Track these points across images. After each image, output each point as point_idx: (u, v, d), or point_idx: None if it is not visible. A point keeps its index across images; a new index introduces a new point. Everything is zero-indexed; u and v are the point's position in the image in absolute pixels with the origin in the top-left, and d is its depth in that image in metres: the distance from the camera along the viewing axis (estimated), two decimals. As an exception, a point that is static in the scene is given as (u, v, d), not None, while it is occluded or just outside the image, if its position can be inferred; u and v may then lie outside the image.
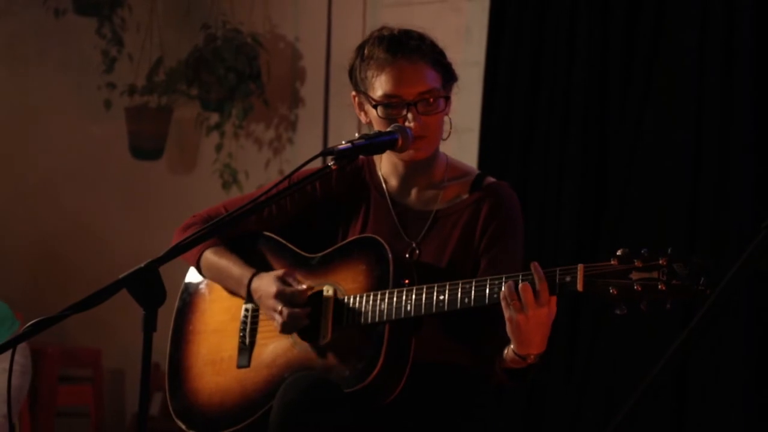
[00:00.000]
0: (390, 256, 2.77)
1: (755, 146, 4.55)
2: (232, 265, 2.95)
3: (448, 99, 2.87)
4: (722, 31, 4.61)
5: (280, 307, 2.82)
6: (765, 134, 4.55)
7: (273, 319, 2.86)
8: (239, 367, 2.93)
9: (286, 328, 2.84)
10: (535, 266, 2.57)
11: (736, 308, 4.41)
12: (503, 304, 2.58)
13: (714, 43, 4.63)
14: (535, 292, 2.55)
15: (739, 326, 4.45)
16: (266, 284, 2.87)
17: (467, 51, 5.29)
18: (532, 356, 2.64)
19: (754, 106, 4.56)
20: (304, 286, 2.84)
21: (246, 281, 2.91)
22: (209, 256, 2.99)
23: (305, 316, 2.83)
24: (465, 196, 2.90)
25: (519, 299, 2.56)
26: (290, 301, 2.82)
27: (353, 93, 2.92)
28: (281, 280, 2.86)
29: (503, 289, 2.58)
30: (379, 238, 2.81)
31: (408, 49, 2.82)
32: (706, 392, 4.50)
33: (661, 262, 2.46)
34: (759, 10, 4.56)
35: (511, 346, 2.64)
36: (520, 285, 2.57)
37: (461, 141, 5.13)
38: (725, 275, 2.14)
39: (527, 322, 2.57)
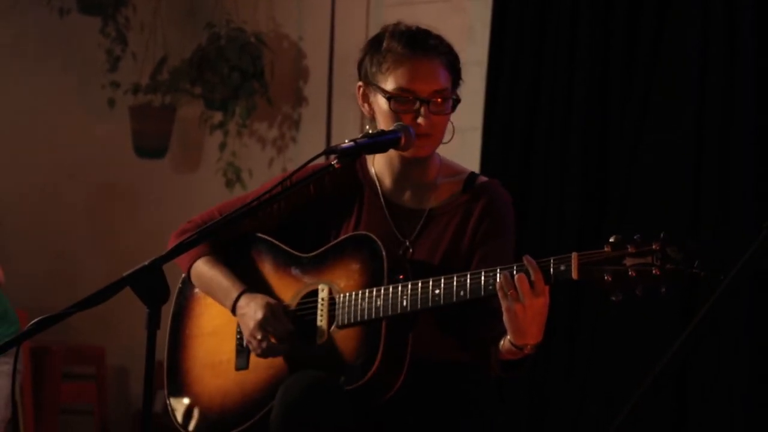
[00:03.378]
0: (383, 252, 2.78)
1: (756, 146, 4.55)
2: (222, 277, 2.95)
3: (456, 102, 2.89)
4: (723, 31, 4.61)
5: (260, 336, 2.83)
6: (766, 134, 4.56)
7: (250, 343, 2.87)
8: (238, 369, 2.94)
9: (262, 356, 2.86)
10: (527, 259, 2.59)
11: (737, 308, 4.42)
12: (500, 294, 2.59)
13: (715, 42, 4.63)
14: (531, 282, 2.57)
15: (739, 326, 4.46)
16: (254, 307, 2.86)
17: (470, 50, 5.30)
18: (528, 346, 2.65)
19: (755, 106, 4.56)
20: (291, 326, 2.85)
21: (235, 295, 2.91)
22: (199, 266, 2.99)
23: (286, 346, 2.84)
24: (458, 195, 2.91)
25: (515, 288, 2.57)
26: (273, 333, 2.83)
27: (359, 84, 2.93)
28: (270, 308, 2.86)
29: (499, 279, 2.59)
30: (372, 235, 2.81)
31: (427, 47, 2.84)
32: (706, 392, 4.51)
33: (654, 246, 2.46)
34: (759, 10, 4.56)
35: (508, 337, 2.65)
36: (515, 275, 2.58)
37: (464, 140, 5.15)
38: (726, 273, 2.15)
39: (524, 311, 2.58)
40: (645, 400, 2.14)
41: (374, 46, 2.89)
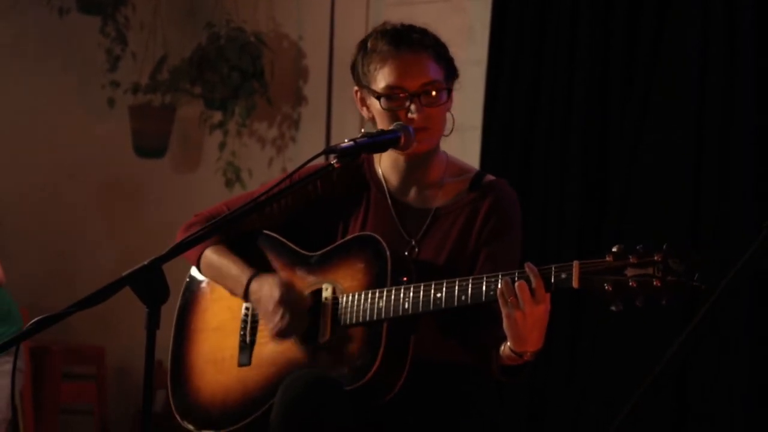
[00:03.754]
0: (388, 253, 2.78)
1: (756, 146, 4.55)
2: (232, 264, 2.95)
3: (450, 93, 2.88)
4: (723, 31, 4.61)
5: (280, 313, 2.83)
6: (766, 134, 4.56)
7: (270, 322, 2.86)
8: (240, 365, 2.94)
9: (282, 334, 2.85)
10: (529, 266, 2.58)
11: (737, 308, 4.42)
12: (501, 301, 2.59)
13: (715, 42, 4.63)
14: (531, 290, 2.57)
15: (739, 326, 4.46)
16: (268, 288, 2.87)
17: (470, 50, 5.30)
18: (528, 353, 2.65)
19: (755, 106, 4.56)
20: (306, 294, 2.85)
21: (245, 281, 2.91)
22: (209, 255, 2.99)
23: (305, 322, 2.84)
24: (464, 194, 2.91)
25: (515, 295, 2.57)
26: (293, 308, 2.83)
27: (355, 88, 2.93)
28: (285, 285, 2.86)
29: (500, 286, 2.59)
30: (377, 236, 2.81)
31: (411, 42, 2.84)
32: (706, 392, 4.51)
33: (656, 258, 2.46)
34: (759, 10, 4.56)
35: (508, 343, 2.65)
36: (516, 282, 2.58)
37: (464, 139, 5.15)
38: (726, 273, 2.15)
39: (524, 319, 2.58)
40: (645, 400, 2.14)
41: (362, 49, 2.90)
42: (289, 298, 2.83)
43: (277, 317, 2.84)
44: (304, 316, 2.84)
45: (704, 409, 4.52)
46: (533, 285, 2.56)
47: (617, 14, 4.88)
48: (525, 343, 2.62)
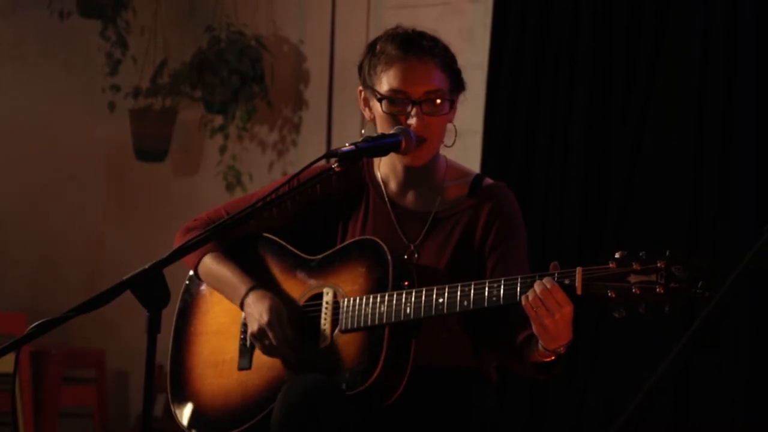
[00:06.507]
0: (389, 258, 2.77)
1: (756, 148, 4.55)
2: (230, 273, 2.95)
3: (453, 104, 2.88)
4: (724, 34, 4.61)
5: (259, 338, 2.84)
6: (766, 134, 4.56)
7: (256, 341, 2.87)
8: (240, 369, 2.94)
9: (269, 354, 2.87)
10: (550, 281, 2.58)
11: (738, 310, 4.42)
12: (530, 313, 2.58)
13: (716, 44, 4.63)
14: (557, 300, 2.56)
15: (739, 326, 4.46)
16: (260, 309, 2.86)
17: (470, 53, 5.30)
18: (562, 347, 2.65)
19: (755, 109, 4.56)
20: (291, 335, 2.84)
21: (243, 292, 2.91)
22: (208, 261, 2.99)
23: (279, 356, 2.85)
24: (464, 198, 2.90)
25: (543, 305, 2.57)
26: (274, 338, 2.83)
27: (359, 88, 2.93)
28: (277, 314, 2.85)
29: (530, 298, 2.58)
30: (379, 240, 2.81)
31: (420, 48, 2.84)
32: (706, 391, 4.51)
33: (659, 264, 2.47)
34: (759, 12, 4.56)
35: (540, 344, 2.64)
36: (539, 291, 2.57)
37: (465, 143, 5.14)
38: (728, 277, 2.15)
39: (555, 323, 2.58)
40: (646, 403, 2.14)
41: (371, 50, 2.90)
42: (271, 327, 2.83)
43: (257, 341, 2.86)
44: (283, 347, 2.84)
45: (704, 409, 4.51)
46: (557, 298, 2.56)
47: (619, 17, 4.88)
48: (557, 341, 2.63)
